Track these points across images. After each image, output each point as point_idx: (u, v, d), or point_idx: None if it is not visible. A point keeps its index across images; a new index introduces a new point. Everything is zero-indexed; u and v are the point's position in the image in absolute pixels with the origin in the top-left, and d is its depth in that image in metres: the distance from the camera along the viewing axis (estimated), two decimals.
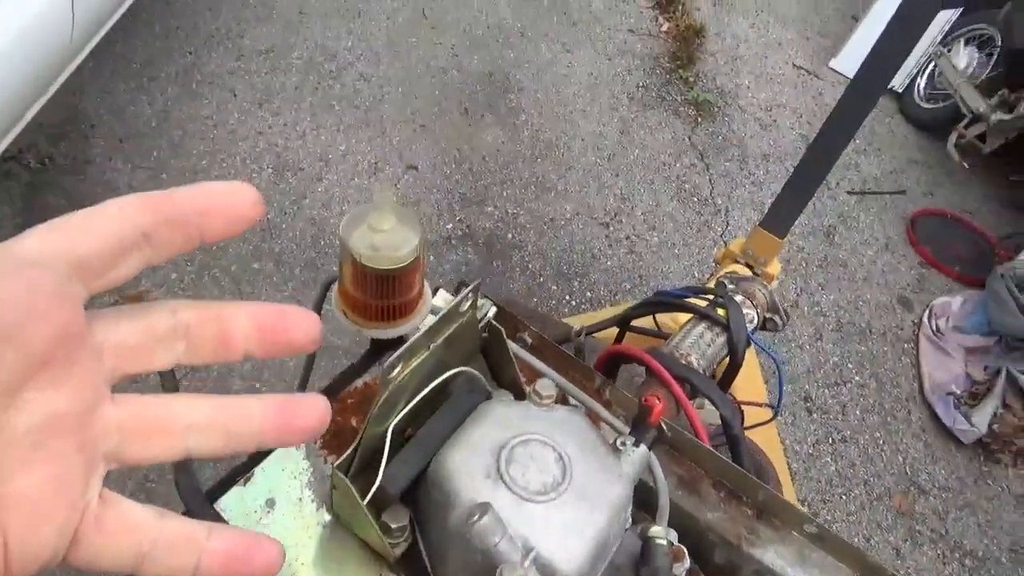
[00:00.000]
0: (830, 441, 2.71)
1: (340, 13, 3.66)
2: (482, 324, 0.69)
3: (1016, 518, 2.66)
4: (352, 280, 0.68)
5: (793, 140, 3.93)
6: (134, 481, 1.99)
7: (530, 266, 2.88)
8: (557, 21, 4.15)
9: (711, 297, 1.08)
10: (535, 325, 0.84)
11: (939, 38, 4.21)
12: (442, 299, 0.83)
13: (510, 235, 2.95)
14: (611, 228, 3.14)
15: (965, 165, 3.87)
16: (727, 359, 1.06)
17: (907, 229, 3.66)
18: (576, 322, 1.66)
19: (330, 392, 0.74)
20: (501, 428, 0.61)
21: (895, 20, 1.47)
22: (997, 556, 2.55)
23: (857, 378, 2.94)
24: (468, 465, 0.58)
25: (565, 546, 0.55)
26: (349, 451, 0.58)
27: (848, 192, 3.77)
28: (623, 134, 3.59)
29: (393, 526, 0.61)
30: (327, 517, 0.65)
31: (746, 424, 1.23)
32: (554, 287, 2.85)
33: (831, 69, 4.57)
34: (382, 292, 0.67)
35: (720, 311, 1.03)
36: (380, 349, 0.78)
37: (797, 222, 1.78)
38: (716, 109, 3.94)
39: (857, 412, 2.82)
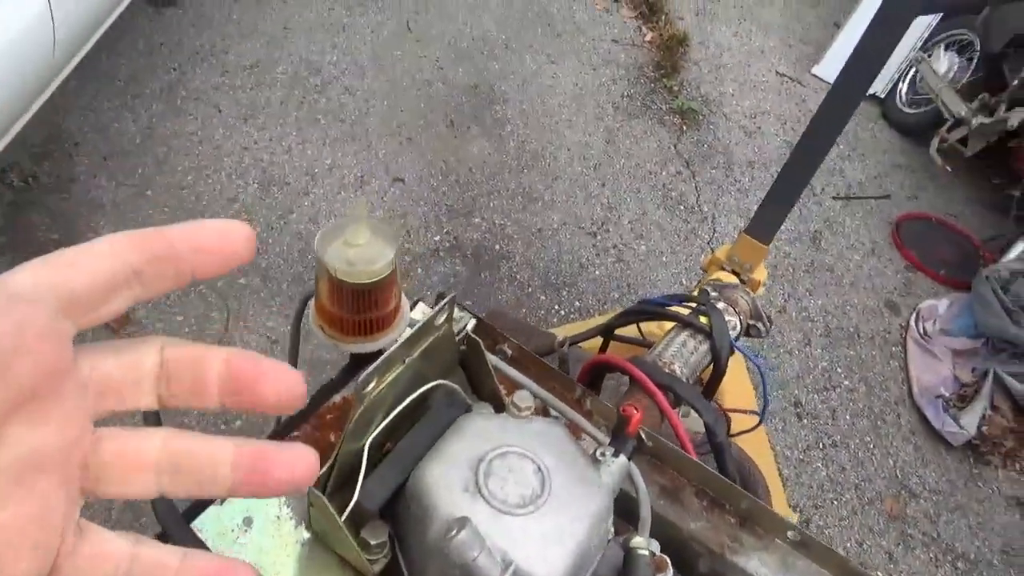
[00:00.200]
0: (820, 446, 2.71)
1: (325, 27, 3.66)
2: (460, 336, 0.69)
3: (1007, 519, 2.67)
4: (328, 295, 0.67)
5: (778, 147, 3.96)
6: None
7: (518, 277, 2.88)
8: (541, 32, 4.17)
9: (694, 305, 1.09)
10: (521, 336, 0.84)
11: (919, 44, 4.26)
12: (420, 312, 0.82)
13: (497, 246, 2.95)
14: (598, 237, 3.15)
15: (948, 169, 3.90)
16: (711, 367, 1.06)
17: (892, 233, 3.69)
18: (564, 332, 1.66)
19: (309, 407, 0.73)
20: (479, 441, 0.60)
21: (874, 24, 1.49)
22: (989, 558, 2.56)
23: (846, 383, 2.95)
24: (446, 479, 0.57)
25: (545, 559, 0.55)
26: (325, 468, 0.57)
27: (833, 197, 3.80)
28: (609, 143, 3.61)
29: (372, 542, 0.60)
30: (306, 535, 0.64)
31: (734, 431, 1.23)
32: (543, 297, 2.85)
33: (814, 76, 4.61)
34: (359, 306, 0.67)
35: (703, 319, 1.03)
36: (359, 364, 0.78)
37: (783, 228, 1.79)
38: (701, 117, 3.96)
39: (847, 417, 2.83)
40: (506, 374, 0.74)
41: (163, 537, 0.62)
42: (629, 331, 1.30)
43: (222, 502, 0.64)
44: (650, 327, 1.43)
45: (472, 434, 0.62)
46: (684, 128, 3.85)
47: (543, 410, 0.74)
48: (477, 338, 0.68)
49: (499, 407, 0.71)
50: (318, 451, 0.68)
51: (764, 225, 1.76)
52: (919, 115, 4.24)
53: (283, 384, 0.29)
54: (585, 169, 3.43)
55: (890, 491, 2.65)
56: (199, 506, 0.64)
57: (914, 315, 3.22)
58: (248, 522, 0.64)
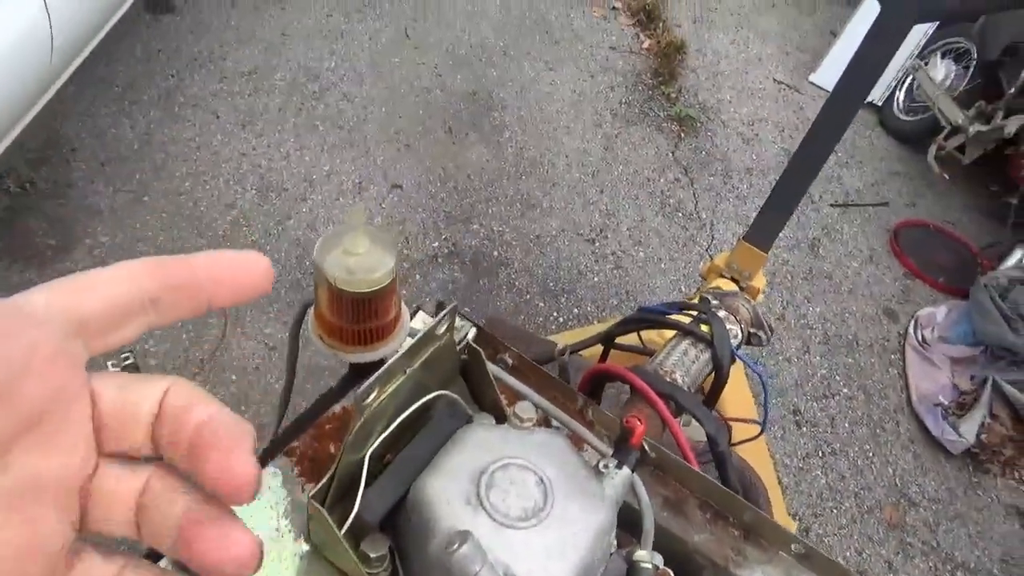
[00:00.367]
0: (820, 454, 2.70)
1: (323, 34, 3.66)
2: (461, 346, 0.68)
3: (1006, 528, 2.66)
4: (328, 304, 0.66)
5: (776, 154, 3.96)
6: None
7: (516, 283, 2.87)
8: (539, 40, 4.18)
9: (695, 313, 1.08)
10: (520, 344, 0.83)
11: (916, 52, 4.27)
12: (421, 321, 0.82)
13: (496, 253, 2.95)
14: (597, 244, 3.14)
15: (945, 176, 3.91)
16: (712, 375, 1.05)
17: (890, 240, 3.69)
18: (562, 339, 1.65)
19: (308, 418, 0.73)
20: (481, 453, 0.60)
21: (872, 33, 1.49)
22: (989, 567, 2.55)
23: (845, 390, 2.94)
24: (447, 492, 0.57)
25: (548, 573, 0.54)
26: (325, 479, 0.57)
27: (831, 205, 3.80)
28: (607, 150, 3.61)
29: (372, 555, 0.59)
30: (305, 547, 0.63)
31: (735, 440, 1.22)
32: (541, 304, 2.84)
33: (811, 83, 4.62)
34: (358, 316, 0.66)
35: (704, 327, 1.02)
36: (359, 373, 0.77)
37: (781, 235, 1.79)
38: (699, 124, 3.97)
39: (846, 424, 2.82)
40: (507, 384, 0.73)
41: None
42: (628, 339, 1.29)
43: None
44: (650, 335, 1.42)
45: (473, 446, 0.61)
46: (682, 135, 3.85)
47: (544, 420, 0.74)
48: (479, 348, 0.67)
49: (500, 417, 0.70)
50: (317, 462, 0.68)
51: (763, 232, 1.75)
52: (916, 123, 4.25)
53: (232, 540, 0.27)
54: (583, 176, 3.43)
55: (889, 499, 2.64)
56: None
57: (912, 322, 3.22)
58: None
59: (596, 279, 3.00)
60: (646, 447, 0.64)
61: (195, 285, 0.28)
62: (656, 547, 0.64)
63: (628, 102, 3.94)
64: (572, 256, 3.05)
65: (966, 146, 3.82)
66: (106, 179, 2.67)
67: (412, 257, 2.81)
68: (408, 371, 0.59)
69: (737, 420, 1.22)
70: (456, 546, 0.51)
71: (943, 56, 4.18)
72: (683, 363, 0.98)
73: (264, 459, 0.69)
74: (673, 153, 3.73)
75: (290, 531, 0.64)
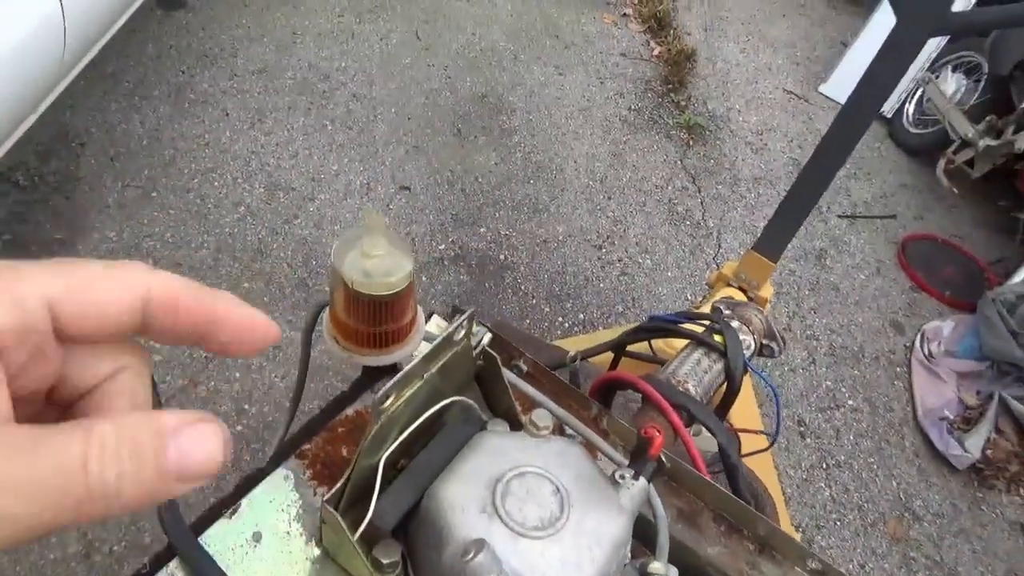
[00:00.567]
0: (824, 466, 2.69)
1: (334, 34, 3.67)
2: (477, 351, 0.67)
3: (1011, 545, 2.64)
4: (344, 306, 0.66)
5: (784, 164, 3.95)
6: None
7: (522, 287, 2.86)
8: (550, 44, 4.18)
9: (707, 323, 1.07)
10: (528, 349, 0.82)
11: (927, 65, 4.27)
12: (435, 325, 0.81)
13: (502, 256, 2.94)
14: (603, 250, 3.14)
15: (954, 190, 3.90)
16: (723, 386, 1.04)
17: (898, 253, 3.68)
18: (568, 345, 1.65)
19: (320, 421, 0.72)
20: (496, 460, 0.59)
21: (886, 46, 1.48)
22: None
23: (850, 402, 2.93)
24: (462, 499, 0.56)
25: None
26: (339, 484, 0.56)
27: (839, 216, 3.79)
28: (615, 156, 3.60)
29: (384, 561, 0.59)
30: (316, 551, 0.63)
31: (742, 452, 1.21)
32: (546, 309, 2.83)
33: (821, 94, 4.62)
34: (375, 318, 0.65)
35: (717, 337, 1.01)
36: (371, 376, 0.76)
37: (788, 246, 1.78)
38: (707, 132, 3.96)
39: (851, 437, 2.81)
40: (522, 391, 0.73)
41: (170, 550, 0.60)
42: (638, 347, 1.28)
43: (231, 515, 0.63)
44: (657, 344, 1.41)
45: (489, 452, 0.60)
46: (691, 143, 3.85)
47: (558, 428, 0.73)
48: (495, 354, 0.66)
49: (514, 424, 0.69)
50: (330, 465, 0.67)
51: (772, 242, 1.75)
52: (926, 136, 4.24)
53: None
54: (591, 182, 3.42)
55: (893, 513, 2.62)
56: (207, 520, 0.63)
57: (919, 336, 3.21)
58: (257, 537, 0.62)
59: (602, 285, 3.00)
60: (663, 458, 0.63)
61: (192, 323, 0.26)
62: (669, 559, 0.64)
63: (637, 109, 3.94)
64: (578, 262, 3.05)
65: (975, 160, 3.81)
66: (115, 174, 2.67)
67: (418, 259, 2.80)
68: (425, 376, 0.58)
69: (746, 431, 1.21)
70: (472, 555, 0.51)
71: (954, 69, 4.18)
72: (696, 373, 0.98)
73: (275, 461, 0.68)
74: (681, 161, 3.72)
75: (301, 534, 0.63)
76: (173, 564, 0.59)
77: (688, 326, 1.06)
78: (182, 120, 2.97)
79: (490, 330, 0.70)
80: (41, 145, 2.66)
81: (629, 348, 1.23)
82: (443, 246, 2.90)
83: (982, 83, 3.97)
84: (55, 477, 0.20)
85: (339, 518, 0.54)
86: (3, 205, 2.45)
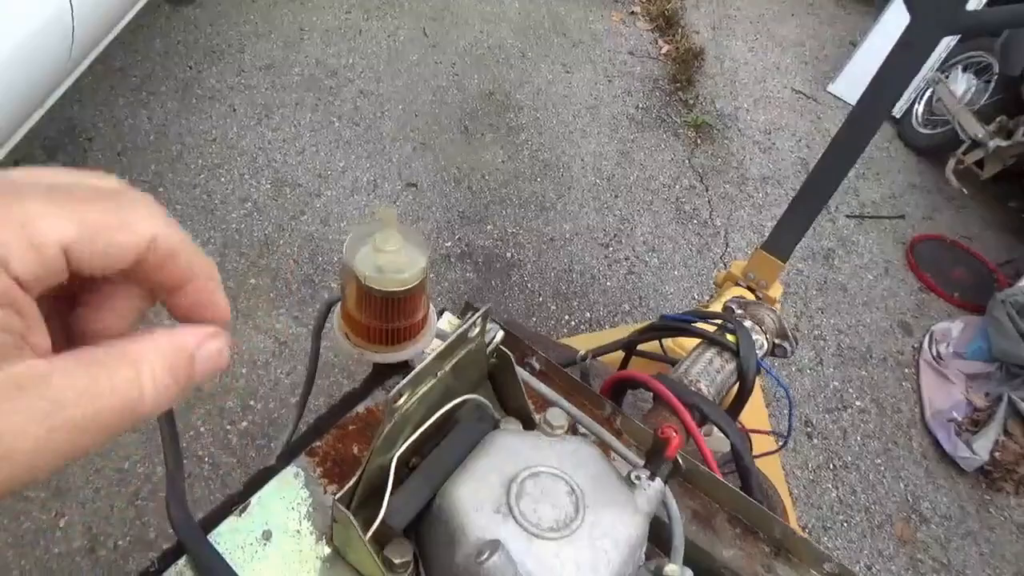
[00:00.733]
0: (831, 467, 2.67)
1: (341, 31, 3.66)
2: (490, 349, 0.66)
3: (1019, 548, 2.62)
4: (356, 302, 0.65)
5: (792, 163, 3.93)
6: (123, 498, 1.95)
7: (529, 285, 2.85)
8: (557, 42, 4.17)
9: (718, 322, 1.06)
10: (537, 348, 0.81)
11: (937, 65, 4.24)
12: (447, 322, 0.80)
13: (509, 254, 2.93)
14: (610, 248, 3.12)
15: (964, 191, 3.87)
16: (735, 386, 1.03)
17: (907, 254, 3.66)
18: (574, 343, 1.64)
19: (330, 418, 0.71)
20: (510, 459, 0.58)
21: (899, 45, 1.47)
22: None
23: (858, 403, 2.91)
24: (476, 499, 0.55)
25: None
26: (352, 482, 0.55)
27: (847, 216, 3.77)
28: (623, 155, 3.59)
29: (396, 561, 0.58)
30: (326, 550, 0.62)
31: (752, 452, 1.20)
32: (553, 307, 2.82)
33: (829, 93, 4.59)
34: (387, 315, 0.65)
35: (729, 337, 1.00)
36: (382, 373, 0.75)
37: (796, 245, 1.77)
38: (715, 131, 3.94)
39: (858, 438, 2.79)
40: (536, 389, 0.72)
41: (179, 548, 0.59)
42: (647, 346, 1.27)
43: (241, 513, 0.62)
44: (668, 343, 1.40)
45: (502, 452, 0.59)
46: (698, 142, 3.83)
47: (571, 427, 0.72)
48: (508, 352, 0.65)
49: (527, 423, 0.68)
50: (340, 463, 0.66)
51: (782, 242, 1.74)
52: (935, 136, 4.21)
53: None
54: (599, 180, 3.41)
55: (900, 515, 2.61)
56: (216, 517, 0.62)
57: (927, 337, 3.19)
58: (267, 535, 0.61)
59: (609, 284, 2.99)
60: (679, 459, 0.62)
61: (169, 286, 0.28)
62: (684, 561, 0.63)
63: (645, 107, 3.92)
64: (585, 260, 3.04)
65: (985, 161, 3.78)
66: (121, 169, 2.67)
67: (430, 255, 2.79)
68: (440, 374, 0.58)
69: (757, 432, 1.20)
70: (487, 556, 0.50)
71: (964, 69, 4.14)
72: (708, 372, 0.97)
73: (285, 458, 0.67)
74: (689, 160, 3.71)
75: (311, 533, 0.62)
76: (182, 562, 0.59)
77: (700, 325, 1.05)
78: (189, 116, 2.96)
79: (503, 327, 0.69)
80: (49, 139, 2.66)
81: (639, 347, 1.22)
82: (450, 243, 2.89)
83: (992, 83, 3.94)
84: (116, 411, 0.24)
85: (351, 517, 0.53)
86: None
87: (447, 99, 3.51)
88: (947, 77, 4.13)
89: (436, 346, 0.73)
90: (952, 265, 3.67)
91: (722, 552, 0.68)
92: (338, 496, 0.55)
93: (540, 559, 0.52)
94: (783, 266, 1.74)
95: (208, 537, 0.60)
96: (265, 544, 0.61)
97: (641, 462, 0.65)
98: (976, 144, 3.78)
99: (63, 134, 2.70)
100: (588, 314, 2.85)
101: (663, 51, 4.40)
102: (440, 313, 0.79)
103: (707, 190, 3.58)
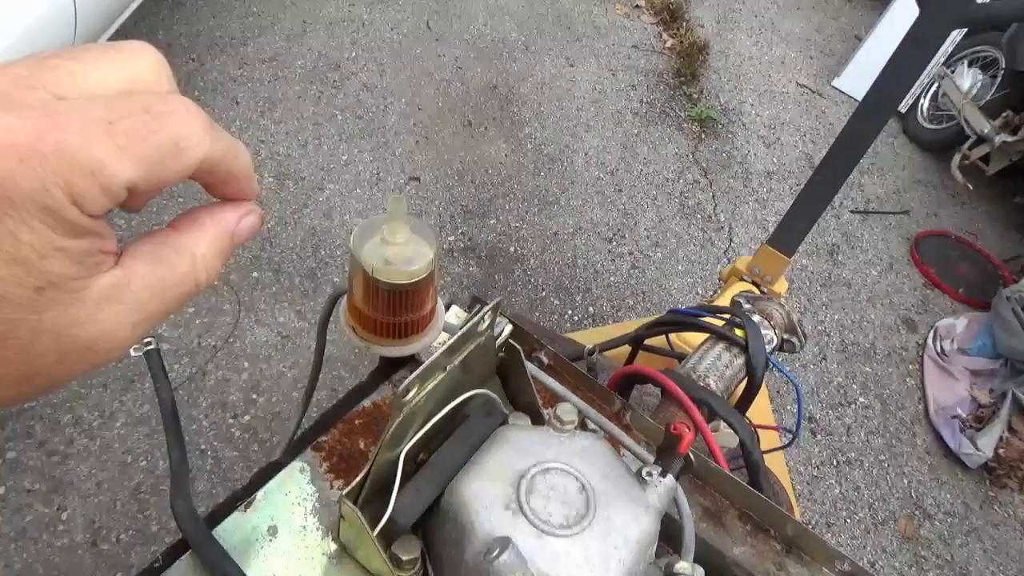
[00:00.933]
0: (834, 463, 2.67)
1: (344, 23, 3.64)
2: (498, 343, 0.65)
3: (1023, 545, 2.62)
4: (362, 295, 0.64)
5: (796, 158, 3.91)
6: (125, 491, 1.94)
7: (532, 280, 2.84)
8: (561, 36, 4.15)
9: (727, 317, 1.05)
10: (544, 342, 0.80)
11: (942, 59, 4.21)
12: (455, 316, 0.79)
13: (512, 248, 2.92)
14: (614, 243, 3.11)
15: (969, 186, 3.85)
16: (743, 381, 1.02)
17: (911, 249, 3.64)
18: (579, 338, 1.63)
19: (337, 412, 0.70)
20: (520, 455, 0.57)
21: (908, 39, 1.45)
22: None
23: (862, 399, 2.90)
24: (486, 495, 0.54)
25: None
26: (359, 478, 0.54)
27: (852, 211, 3.76)
28: (626, 149, 3.57)
29: (404, 558, 0.57)
30: (333, 546, 0.61)
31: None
32: (556, 301, 2.81)
33: (834, 88, 4.57)
34: (394, 308, 0.64)
35: (738, 332, 0.99)
36: (389, 367, 0.74)
37: (802, 240, 1.76)
38: (719, 126, 3.93)
39: (862, 434, 2.79)
40: (544, 384, 0.71)
41: (184, 543, 0.58)
42: (654, 341, 1.26)
43: (246, 508, 0.61)
44: (672, 338, 1.39)
45: (512, 448, 0.58)
46: (703, 136, 3.81)
47: (580, 423, 0.71)
48: (517, 346, 0.64)
49: (536, 418, 0.68)
50: (347, 458, 0.65)
51: (787, 237, 1.72)
52: (940, 131, 4.19)
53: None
54: (602, 174, 3.39)
55: (904, 511, 2.60)
56: (221, 512, 0.61)
57: (932, 333, 3.17)
58: (273, 531, 0.60)
59: (612, 278, 2.97)
60: (690, 455, 0.61)
61: (207, 182, 0.31)
62: (695, 559, 0.62)
63: (649, 101, 3.91)
64: (588, 254, 3.02)
65: (991, 156, 3.76)
66: None
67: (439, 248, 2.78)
68: (448, 368, 0.57)
69: (765, 427, 1.19)
70: (496, 553, 0.49)
71: (970, 64, 4.12)
72: (716, 368, 0.96)
73: (291, 453, 0.66)
74: (693, 154, 3.69)
75: (317, 528, 0.62)
76: (186, 558, 0.58)
77: (708, 320, 1.04)
78: None
79: (511, 321, 0.68)
80: None
81: (646, 342, 1.21)
82: (452, 237, 2.88)
83: (999, 78, 3.92)
84: (181, 296, 0.30)
85: (358, 513, 0.53)
86: None
87: (450, 92, 3.50)
88: (953, 72, 4.10)
89: (444, 340, 0.72)
90: (957, 261, 3.66)
91: (733, 549, 0.67)
92: (345, 492, 0.54)
93: (550, 556, 0.51)
94: (789, 261, 1.73)
95: (213, 533, 0.59)
96: (271, 540, 0.60)
97: (651, 458, 0.64)
98: (982, 139, 3.76)
99: None
100: (591, 309, 2.83)
101: (667, 45, 4.38)
102: (447, 307, 0.78)
103: (711, 185, 3.56)
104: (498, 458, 0.57)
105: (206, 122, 0.28)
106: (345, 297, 0.69)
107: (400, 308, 0.64)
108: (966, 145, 3.84)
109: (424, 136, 3.23)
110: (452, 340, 0.56)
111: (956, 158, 3.86)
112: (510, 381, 0.68)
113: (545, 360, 0.76)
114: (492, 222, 2.99)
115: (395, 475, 0.55)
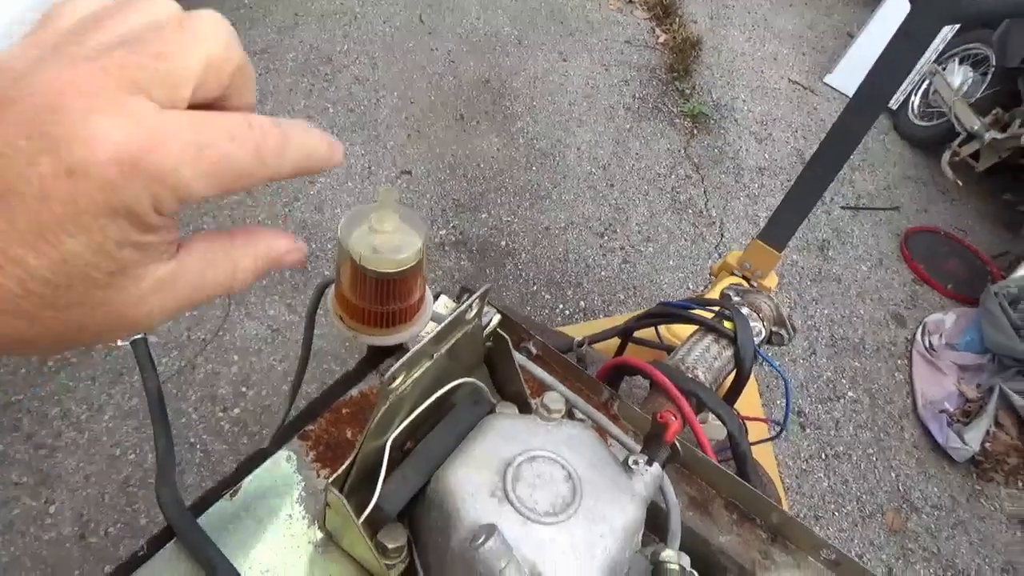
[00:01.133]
0: (823, 457, 2.68)
1: (336, 16, 3.63)
2: (486, 333, 0.65)
3: (1009, 537, 2.64)
4: (350, 283, 0.64)
5: (788, 154, 3.92)
6: (114, 484, 1.93)
7: (523, 274, 2.84)
8: (554, 30, 4.14)
9: (715, 309, 1.06)
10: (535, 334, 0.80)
11: (934, 56, 4.23)
12: (443, 305, 0.79)
13: (504, 242, 2.92)
14: (605, 238, 3.11)
15: (959, 183, 3.87)
16: (732, 373, 1.03)
17: (901, 245, 3.66)
18: (570, 332, 1.63)
19: (324, 401, 0.70)
20: (507, 443, 0.57)
21: (899, 35, 1.46)
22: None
23: (850, 394, 2.92)
24: (472, 483, 0.54)
25: (574, 571, 0.51)
26: (345, 466, 0.54)
27: (842, 207, 3.77)
28: (618, 144, 3.57)
29: (390, 546, 0.57)
30: (319, 535, 0.61)
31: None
32: (547, 295, 2.81)
33: (826, 84, 4.58)
34: (382, 297, 0.63)
35: (727, 324, 1.00)
36: (377, 356, 0.74)
37: (793, 235, 1.76)
38: (712, 121, 3.93)
39: (850, 428, 2.80)
40: (532, 373, 0.71)
41: (169, 531, 0.58)
42: (643, 334, 1.26)
43: (232, 496, 0.61)
44: (662, 331, 1.40)
45: (499, 436, 0.58)
46: (695, 132, 3.82)
47: (568, 412, 0.71)
48: (505, 335, 0.64)
49: (523, 407, 0.68)
50: (334, 447, 0.65)
51: (778, 232, 1.73)
52: (931, 128, 4.21)
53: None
54: (594, 169, 3.40)
55: (891, 504, 2.62)
56: (206, 501, 0.61)
57: (920, 328, 3.19)
58: (258, 519, 0.60)
59: (603, 273, 2.98)
60: (677, 444, 0.61)
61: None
62: (681, 547, 0.62)
63: (642, 96, 3.91)
64: (580, 249, 3.03)
65: (981, 153, 3.78)
66: None
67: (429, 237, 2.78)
68: (435, 356, 0.57)
69: (754, 419, 1.20)
70: (482, 540, 0.49)
71: (961, 61, 4.14)
72: (705, 359, 0.96)
73: (278, 442, 0.66)
74: (685, 150, 3.69)
75: (304, 517, 0.62)
76: (171, 546, 0.58)
77: (697, 312, 1.04)
78: None
79: (499, 311, 0.68)
80: None
81: (635, 335, 1.21)
82: (444, 231, 2.87)
83: (989, 76, 3.94)
84: (214, 294, 0.33)
85: (344, 501, 0.53)
86: None
87: (442, 86, 3.49)
88: (944, 69, 4.12)
89: (431, 329, 0.72)
90: (946, 257, 3.68)
91: (719, 538, 0.67)
92: (331, 480, 0.54)
93: (536, 544, 0.51)
94: (779, 256, 1.74)
95: (198, 520, 0.59)
96: (256, 528, 0.60)
97: (638, 448, 0.64)
98: (972, 136, 3.78)
99: None
100: (582, 303, 2.84)
101: (660, 40, 4.38)
102: (436, 296, 0.78)
103: (703, 180, 3.57)
104: (484, 446, 0.57)
105: (225, 37, 0.32)
106: (333, 286, 0.69)
107: (388, 297, 0.64)
108: (956, 142, 3.86)
109: (416, 130, 3.22)
110: (439, 328, 0.56)
111: (946, 155, 3.88)
112: (498, 370, 0.68)
113: (533, 350, 0.76)
114: (484, 216, 2.99)
115: (381, 463, 0.56)
